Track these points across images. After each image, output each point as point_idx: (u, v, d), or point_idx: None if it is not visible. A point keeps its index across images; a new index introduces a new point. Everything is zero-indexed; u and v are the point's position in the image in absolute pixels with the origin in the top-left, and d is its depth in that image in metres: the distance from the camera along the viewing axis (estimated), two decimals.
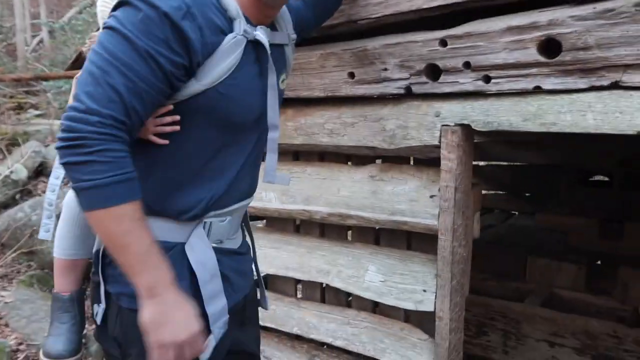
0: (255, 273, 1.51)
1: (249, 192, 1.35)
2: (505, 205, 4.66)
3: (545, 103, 1.45)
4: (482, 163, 4.51)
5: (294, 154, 2.23)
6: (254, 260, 1.53)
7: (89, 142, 0.91)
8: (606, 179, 4.07)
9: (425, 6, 1.65)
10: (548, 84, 1.44)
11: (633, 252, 3.32)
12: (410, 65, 1.71)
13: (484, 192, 4.20)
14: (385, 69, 1.77)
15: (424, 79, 1.69)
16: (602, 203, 3.61)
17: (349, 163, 2.09)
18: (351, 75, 1.86)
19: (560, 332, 2.88)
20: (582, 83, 1.39)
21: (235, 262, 1.31)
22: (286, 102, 2.10)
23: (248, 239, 1.49)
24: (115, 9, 0.99)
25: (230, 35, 1.10)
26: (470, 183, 1.70)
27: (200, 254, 1.18)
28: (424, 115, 1.71)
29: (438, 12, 1.67)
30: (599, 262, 3.45)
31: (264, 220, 2.54)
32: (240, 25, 1.12)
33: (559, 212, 3.73)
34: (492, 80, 1.53)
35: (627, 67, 1.32)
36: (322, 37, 1.95)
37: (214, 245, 1.23)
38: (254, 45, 1.17)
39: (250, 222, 1.57)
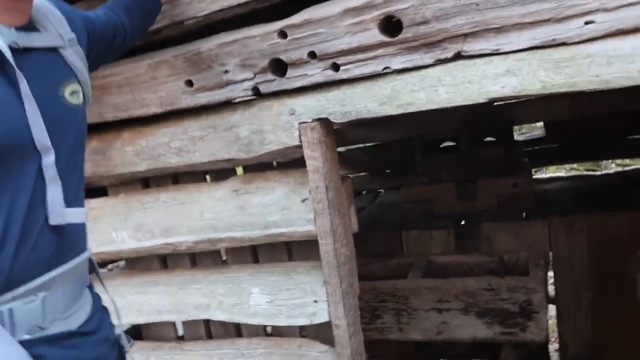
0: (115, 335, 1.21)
1: (74, 246, 1.05)
2: (370, 185, 4.80)
3: (398, 84, 1.40)
4: (340, 149, 4.58)
5: (142, 182, 1.95)
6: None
7: None
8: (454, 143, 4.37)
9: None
10: (396, 63, 1.40)
11: (489, 208, 3.60)
12: (253, 63, 1.56)
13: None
14: (226, 71, 1.60)
15: (270, 76, 1.56)
16: (454, 167, 3.86)
17: (208, 180, 1.88)
18: (189, 83, 1.65)
19: (444, 297, 3.01)
20: (428, 58, 1.37)
21: (77, 349, 1.01)
22: (121, 125, 1.82)
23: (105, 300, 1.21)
24: None
25: None
26: (339, 178, 1.62)
27: None
28: (278, 116, 1.58)
29: (268, 3, 1.54)
30: (462, 223, 3.70)
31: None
32: None
33: (420, 183, 3.92)
34: (341, 68, 1.45)
35: (465, 36, 1.32)
36: (148, 44, 1.71)
37: (27, 337, 0.92)
38: None
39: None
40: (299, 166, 1.63)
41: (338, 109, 1.48)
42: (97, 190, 2.01)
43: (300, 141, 1.53)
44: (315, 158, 1.51)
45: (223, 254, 1.95)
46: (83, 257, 1.08)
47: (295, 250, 1.81)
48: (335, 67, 1.46)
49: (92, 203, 1.95)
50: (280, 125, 1.57)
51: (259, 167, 1.76)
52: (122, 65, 1.70)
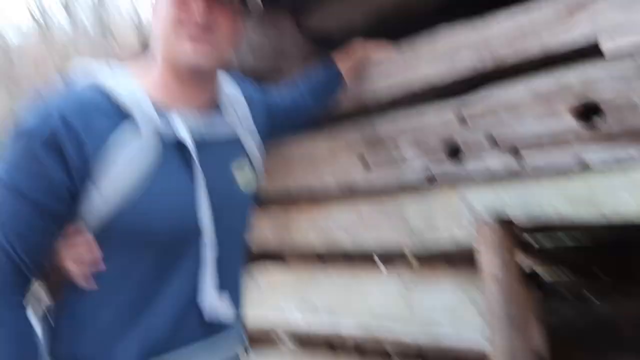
0: None
1: (224, 324, 1.05)
2: (577, 289, 4.02)
3: (596, 182, 1.13)
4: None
5: (316, 257, 1.97)
6: None
7: None
8: None
9: (436, 76, 1.43)
10: (594, 156, 1.13)
11: None
12: (428, 145, 1.45)
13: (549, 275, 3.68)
14: (401, 153, 1.52)
15: (445, 161, 1.43)
16: None
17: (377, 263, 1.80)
18: (364, 162, 1.62)
19: None
20: (635, 151, 1.08)
21: None
22: (300, 198, 1.89)
23: None
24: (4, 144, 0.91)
25: (128, 133, 0.91)
26: (523, 289, 1.36)
27: None
28: (452, 206, 1.42)
29: (451, 80, 1.43)
30: None
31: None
32: (143, 116, 0.93)
33: None
34: (525, 158, 1.25)
35: None
36: (328, 120, 1.76)
37: None
38: (173, 138, 0.97)
39: None
40: (473, 265, 1.44)
41: (520, 206, 1.26)
42: (273, 258, 2.11)
43: (475, 239, 1.35)
44: (492, 264, 1.30)
45: None
46: (232, 335, 1.08)
47: None
48: (518, 157, 1.26)
49: (270, 269, 2.04)
50: (453, 217, 1.41)
51: (430, 259, 1.61)
52: (302, 140, 1.77)
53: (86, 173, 0.88)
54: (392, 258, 1.71)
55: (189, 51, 0.95)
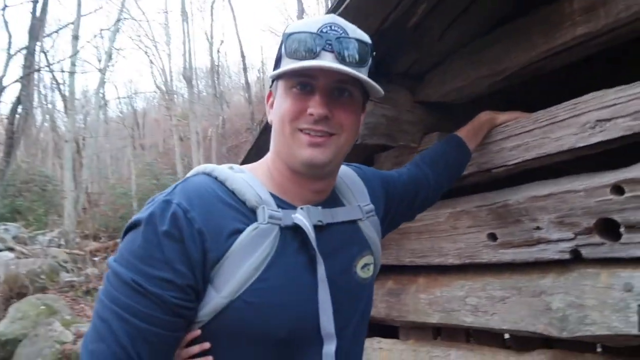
0: None
1: None
2: None
3: None
4: None
5: (433, 331, 1.80)
6: None
7: None
8: None
9: (580, 144, 1.26)
10: None
11: None
12: (574, 221, 1.26)
13: None
14: (538, 228, 1.35)
15: (597, 239, 1.23)
16: None
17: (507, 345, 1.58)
18: (492, 236, 1.46)
19: None
20: None
21: None
22: (418, 270, 1.74)
23: None
24: (123, 236, 0.86)
25: (249, 229, 0.85)
26: None
27: None
28: (606, 290, 1.21)
29: (600, 149, 1.25)
30: None
31: None
32: (264, 212, 0.87)
33: None
34: None
35: None
36: (451, 191, 1.62)
37: None
38: (294, 231, 0.89)
39: None
40: (636, 355, 1.19)
41: None
42: (388, 329, 1.96)
43: None
44: None
45: None
46: None
47: None
48: None
49: (383, 343, 1.89)
50: (609, 302, 1.19)
51: (576, 344, 1.37)
52: (423, 212, 1.65)
53: (206, 267, 0.83)
54: (528, 339, 1.48)
55: (307, 157, 0.89)
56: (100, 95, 18.50)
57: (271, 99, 0.99)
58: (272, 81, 0.97)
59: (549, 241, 1.33)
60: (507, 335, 1.63)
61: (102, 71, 17.32)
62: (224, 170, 0.92)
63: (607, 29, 1.23)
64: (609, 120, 1.21)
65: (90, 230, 12.92)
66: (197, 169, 0.96)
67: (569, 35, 1.29)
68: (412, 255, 1.71)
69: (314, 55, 0.87)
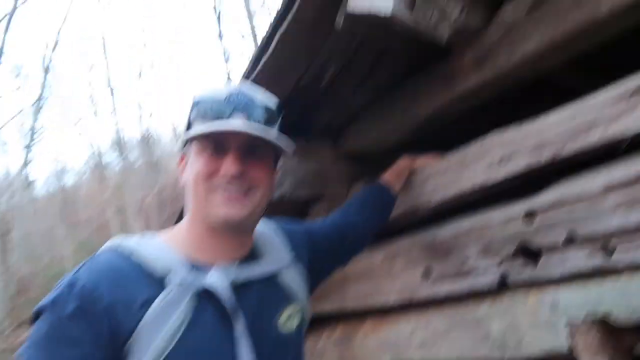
0: None
1: None
2: None
3: None
4: None
5: None
6: None
7: None
8: None
9: (489, 182, 1.33)
10: None
11: None
12: (496, 249, 1.32)
13: None
14: (467, 259, 1.39)
15: (520, 262, 1.28)
16: None
17: None
18: (427, 273, 1.49)
19: None
20: None
21: None
22: (364, 315, 1.73)
23: None
24: (32, 322, 0.83)
25: (159, 297, 0.83)
26: None
27: None
28: (535, 311, 1.25)
29: (508, 185, 1.33)
30: None
31: None
32: (176, 276, 0.85)
33: None
34: (616, 252, 1.09)
35: None
36: (381, 233, 1.65)
37: None
38: (209, 292, 0.87)
39: None
40: None
41: (622, 304, 1.09)
42: None
43: (570, 346, 1.16)
44: None
45: None
46: None
47: None
48: (607, 252, 1.11)
49: None
50: (539, 323, 1.23)
51: None
52: (358, 256, 1.66)
53: (118, 342, 0.80)
54: None
55: (222, 215, 0.89)
56: (24, 175, 17.46)
57: (183, 162, 0.99)
58: (184, 144, 0.97)
59: (478, 271, 1.36)
60: None
61: (27, 149, 16.44)
62: (130, 243, 0.90)
63: (495, 77, 1.34)
64: (509, 156, 1.29)
65: (25, 319, 11.79)
66: (105, 245, 0.93)
67: (465, 84, 1.39)
68: (356, 299, 1.70)
69: (225, 117, 0.89)
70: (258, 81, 1.36)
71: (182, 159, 1.00)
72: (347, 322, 1.79)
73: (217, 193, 0.90)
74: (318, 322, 1.89)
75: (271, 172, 0.98)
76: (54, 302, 0.80)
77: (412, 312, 1.58)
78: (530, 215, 1.24)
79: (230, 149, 0.90)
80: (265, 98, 0.95)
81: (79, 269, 0.85)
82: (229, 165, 0.89)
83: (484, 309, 1.38)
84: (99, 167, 19.66)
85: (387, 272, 1.60)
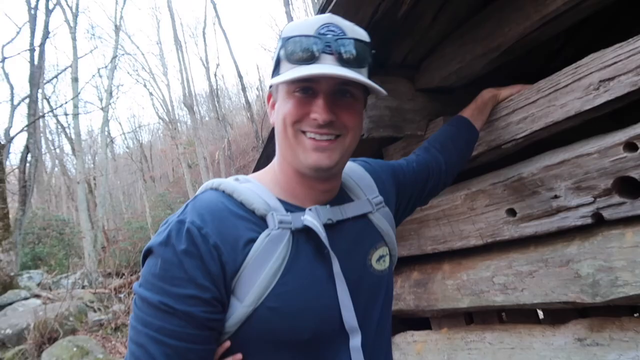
0: None
1: None
2: None
3: None
4: None
5: (465, 316, 1.79)
6: None
7: None
8: None
9: (587, 107, 1.25)
10: None
11: None
12: (591, 185, 1.26)
13: None
14: (556, 197, 1.34)
15: (617, 198, 1.22)
16: None
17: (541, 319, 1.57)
18: (511, 212, 1.45)
19: None
20: None
21: None
22: (441, 257, 1.74)
23: None
24: (143, 262, 0.87)
25: (261, 236, 0.86)
26: None
27: None
28: (634, 248, 1.19)
29: (608, 109, 1.25)
30: None
31: None
32: (274, 218, 0.88)
33: None
34: None
35: None
36: (464, 173, 1.62)
37: None
38: (306, 232, 0.90)
39: None
40: None
41: None
42: (420, 321, 1.95)
43: None
44: None
45: None
46: None
47: None
48: None
49: (416, 335, 1.88)
50: (638, 261, 1.18)
51: (611, 309, 1.36)
52: (438, 198, 1.65)
53: (226, 279, 0.84)
54: (562, 311, 1.47)
55: (312, 162, 0.90)
56: (106, 133, 18.75)
57: (272, 100, 0.99)
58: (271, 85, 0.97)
59: (568, 208, 1.32)
60: (541, 315, 1.62)
61: (105, 109, 17.58)
62: (230, 183, 0.93)
63: None
64: (612, 79, 1.20)
65: (112, 268, 13.02)
66: (205, 185, 0.97)
67: (556, 3, 1.29)
68: (434, 242, 1.70)
69: (314, 58, 0.87)
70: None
71: (269, 96, 1.00)
72: (424, 266, 1.81)
73: (305, 137, 0.90)
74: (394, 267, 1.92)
75: (361, 114, 0.97)
76: (165, 241, 0.83)
77: (494, 255, 1.57)
78: (631, 145, 1.16)
79: (320, 92, 0.89)
80: (355, 31, 0.92)
81: (185, 208, 0.89)
82: (320, 112, 0.88)
83: (573, 249, 1.34)
84: (171, 124, 20.65)
85: (467, 213, 1.58)
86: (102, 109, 17.70)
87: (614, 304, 1.29)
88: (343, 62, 0.87)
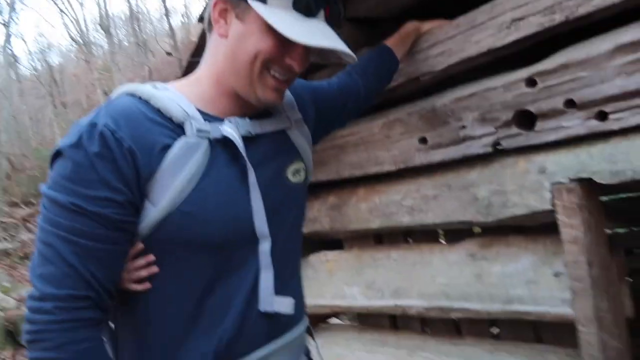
0: None
1: (289, 322, 1.01)
2: None
3: None
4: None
5: (375, 238, 1.92)
6: None
7: (48, 335, 0.76)
8: None
9: (497, 44, 1.34)
10: None
11: None
12: (494, 116, 1.37)
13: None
14: (464, 127, 1.45)
15: (514, 130, 1.34)
16: None
17: (441, 240, 1.73)
18: (423, 140, 1.55)
19: None
20: None
21: None
22: (357, 182, 1.83)
23: None
24: (51, 165, 0.85)
25: (178, 143, 0.86)
26: (607, 251, 1.27)
27: None
28: (524, 174, 1.34)
29: (516, 48, 1.35)
30: None
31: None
32: (192, 126, 0.88)
33: None
34: (610, 117, 1.15)
35: None
36: (383, 102, 1.69)
37: None
38: (224, 143, 0.92)
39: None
40: (550, 232, 1.35)
41: (605, 166, 1.17)
42: (333, 243, 2.07)
43: (553, 205, 1.27)
44: (573, 226, 1.22)
45: None
46: (298, 331, 1.04)
47: (544, 330, 1.50)
48: (602, 116, 1.17)
49: (329, 255, 2.00)
50: (526, 185, 1.33)
51: (500, 229, 1.53)
52: (358, 125, 1.72)
53: (140, 183, 0.84)
54: (459, 232, 1.63)
55: (269, 99, 0.94)
56: (9, 51, 16.92)
57: (222, 6, 0.93)
58: None
59: (473, 138, 1.43)
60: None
61: (6, 24, 15.77)
62: (147, 90, 0.91)
63: None
64: (522, 19, 1.29)
65: (19, 197, 12.21)
66: (119, 90, 0.93)
67: None
68: (351, 168, 1.79)
69: (311, 13, 0.90)
70: None
71: (220, 3, 0.93)
72: (341, 190, 1.90)
73: (269, 75, 0.92)
74: (311, 192, 2.00)
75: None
76: (76, 143, 0.81)
77: (405, 180, 1.68)
78: (531, 81, 1.27)
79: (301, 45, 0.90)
80: None
81: (98, 112, 0.86)
82: (298, 60, 0.91)
83: (473, 175, 1.47)
84: (85, 47, 19.01)
85: (383, 140, 1.66)
86: (3, 23, 15.86)
87: (504, 224, 1.46)
88: (331, 21, 0.94)
